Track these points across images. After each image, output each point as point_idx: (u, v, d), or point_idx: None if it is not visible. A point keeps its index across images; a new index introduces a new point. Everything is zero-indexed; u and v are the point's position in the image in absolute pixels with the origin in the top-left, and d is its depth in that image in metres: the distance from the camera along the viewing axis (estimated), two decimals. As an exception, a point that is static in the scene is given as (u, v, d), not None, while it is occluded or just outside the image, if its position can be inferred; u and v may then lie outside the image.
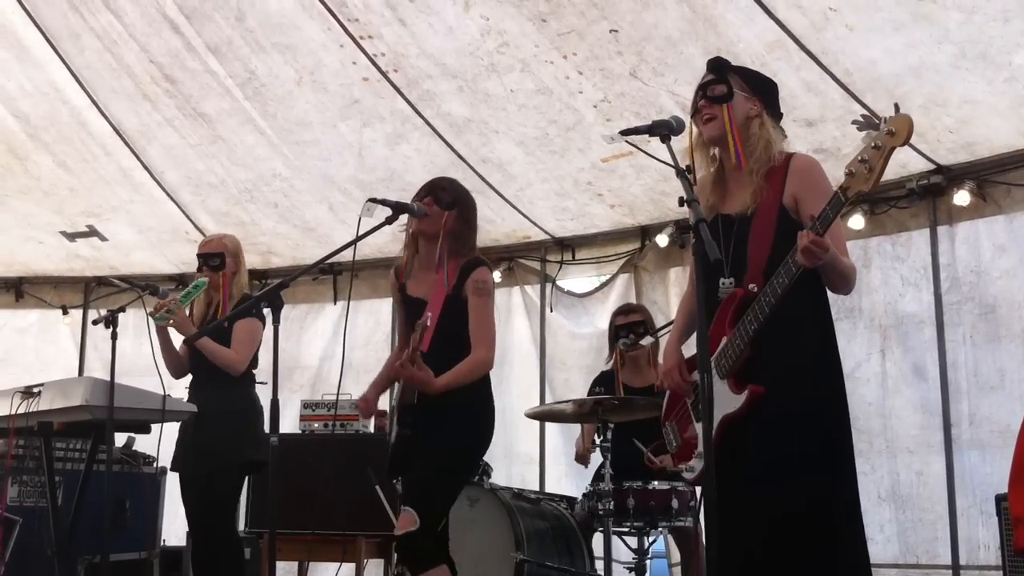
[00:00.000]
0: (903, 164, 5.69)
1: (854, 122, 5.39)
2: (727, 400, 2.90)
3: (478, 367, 3.62)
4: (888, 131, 2.54)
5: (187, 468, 4.78)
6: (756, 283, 2.92)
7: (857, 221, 5.84)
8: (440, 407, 3.55)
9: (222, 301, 4.84)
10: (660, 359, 5.50)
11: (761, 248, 2.95)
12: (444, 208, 3.74)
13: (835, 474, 2.86)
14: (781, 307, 2.82)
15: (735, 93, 3.07)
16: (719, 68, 3.14)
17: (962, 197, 5.58)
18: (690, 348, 3.15)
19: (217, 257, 4.87)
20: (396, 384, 4.19)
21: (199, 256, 4.92)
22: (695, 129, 3.15)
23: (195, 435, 4.68)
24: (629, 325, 5.41)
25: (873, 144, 2.56)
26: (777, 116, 3.17)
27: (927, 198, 5.76)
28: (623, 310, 5.65)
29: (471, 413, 3.67)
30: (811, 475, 2.82)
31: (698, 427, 3.06)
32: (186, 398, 4.80)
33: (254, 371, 4.89)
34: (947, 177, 5.68)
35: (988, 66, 4.94)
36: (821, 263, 2.75)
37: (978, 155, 5.56)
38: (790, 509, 2.80)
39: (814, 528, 2.80)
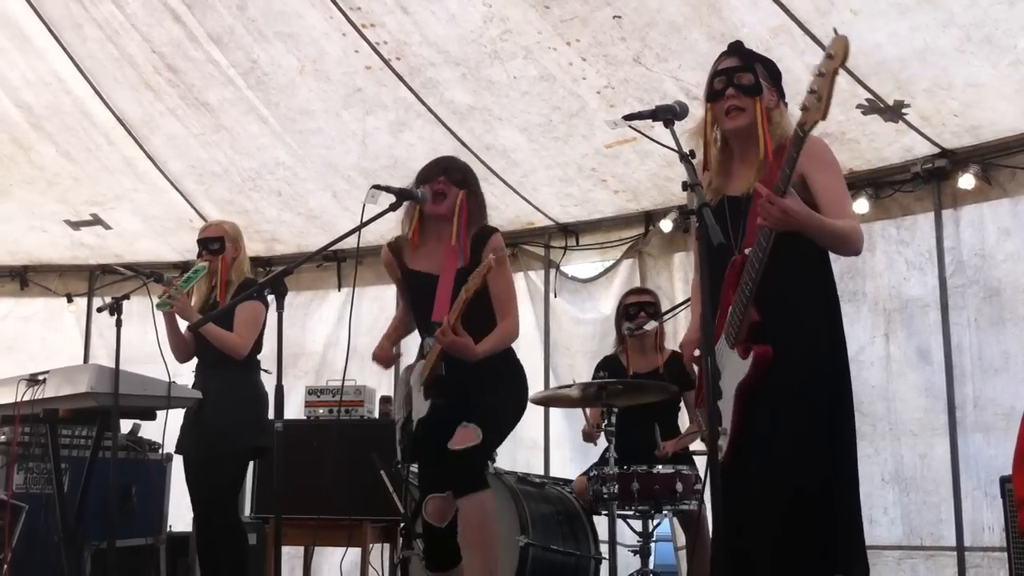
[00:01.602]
0: (908, 148, 5.69)
1: (859, 106, 5.39)
2: (739, 367, 2.88)
3: (509, 336, 3.75)
4: (827, 55, 2.54)
5: (191, 452, 4.81)
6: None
7: (862, 205, 5.82)
8: (475, 375, 3.63)
9: (220, 285, 4.86)
10: (666, 344, 5.57)
11: None
12: (458, 187, 3.80)
13: (837, 450, 2.87)
14: (785, 279, 2.81)
15: (761, 84, 3.02)
16: (745, 55, 3.08)
17: (967, 181, 5.57)
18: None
19: (216, 241, 4.89)
20: (398, 365, 4.22)
21: (199, 242, 4.95)
22: (709, 114, 3.09)
23: (199, 420, 4.70)
24: (640, 304, 5.43)
25: (818, 72, 2.56)
26: (786, 104, 3.17)
27: (932, 182, 5.74)
28: (635, 291, 5.70)
29: (510, 372, 3.81)
30: (815, 451, 2.82)
31: (720, 406, 3.05)
32: (191, 382, 4.83)
33: (258, 356, 4.91)
34: (952, 161, 5.66)
35: (993, 49, 4.92)
36: (788, 224, 2.71)
37: (983, 138, 5.55)
38: (796, 487, 2.80)
39: (816, 505, 2.80)
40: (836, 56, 2.53)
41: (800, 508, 2.79)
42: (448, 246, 3.78)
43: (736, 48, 3.11)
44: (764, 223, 2.72)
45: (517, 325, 3.79)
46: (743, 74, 3.03)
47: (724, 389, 2.90)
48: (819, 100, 2.55)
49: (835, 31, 2.58)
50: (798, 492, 2.79)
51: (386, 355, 3.95)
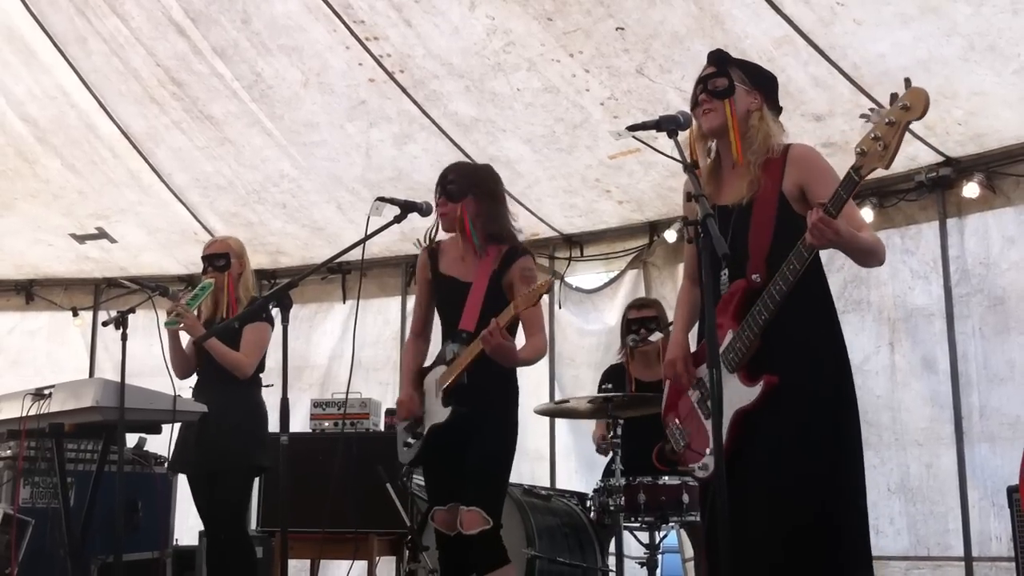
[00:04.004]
0: (912, 157, 5.68)
1: (863, 116, 5.37)
2: (739, 393, 2.86)
3: (539, 352, 3.79)
4: (902, 106, 2.49)
5: (194, 468, 4.79)
6: (759, 273, 2.89)
7: (866, 214, 5.82)
8: (487, 399, 3.66)
9: (229, 302, 4.85)
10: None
11: (763, 238, 2.92)
12: (457, 200, 3.76)
13: (843, 474, 2.84)
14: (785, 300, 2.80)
15: (736, 86, 3.05)
16: (720, 61, 3.12)
17: (971, 189, 5.57)
18: (693, 340, 3.16)
19: (222, 258, 4.87)
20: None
21: (204, 258, 4.93)
22: (695, 122, 3.13)
23: (200, 436, 4.67)
24: (641, 320, 5.41)
25: (886, 120, 2.50)
26: (777, 110, 3.14)
27: (936, 191, 5.75)
28: (637, 304, 5.66)
29: (508, 414, 3.76)
30: (823, 471, 2.79)
31: (707, 424, 3.03)
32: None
33: (260, 374, 4.88)
34: (956, 169, 5.67)
35: (997, 58, 4.93)
36: (834, 244, 2.70)
37: (987, 147, 5.56)
38: (804, 506, 2.78)
39: (818, 531, 2.78)
40: (913, 109, 2.46)
41: (801, 534, 2.76)
42: (479, 259, 3.79)
43: (713, 57, 3.16)
44: (814, 243, 2.67)
45: (546, 343, 3.86)
46: (716, 79, 3.08)
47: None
48: (883, 149, 2.51)
49: (908, 81, 2.49)
50: (800, 518, 2.76)
51: (414, 406, 3.84)
